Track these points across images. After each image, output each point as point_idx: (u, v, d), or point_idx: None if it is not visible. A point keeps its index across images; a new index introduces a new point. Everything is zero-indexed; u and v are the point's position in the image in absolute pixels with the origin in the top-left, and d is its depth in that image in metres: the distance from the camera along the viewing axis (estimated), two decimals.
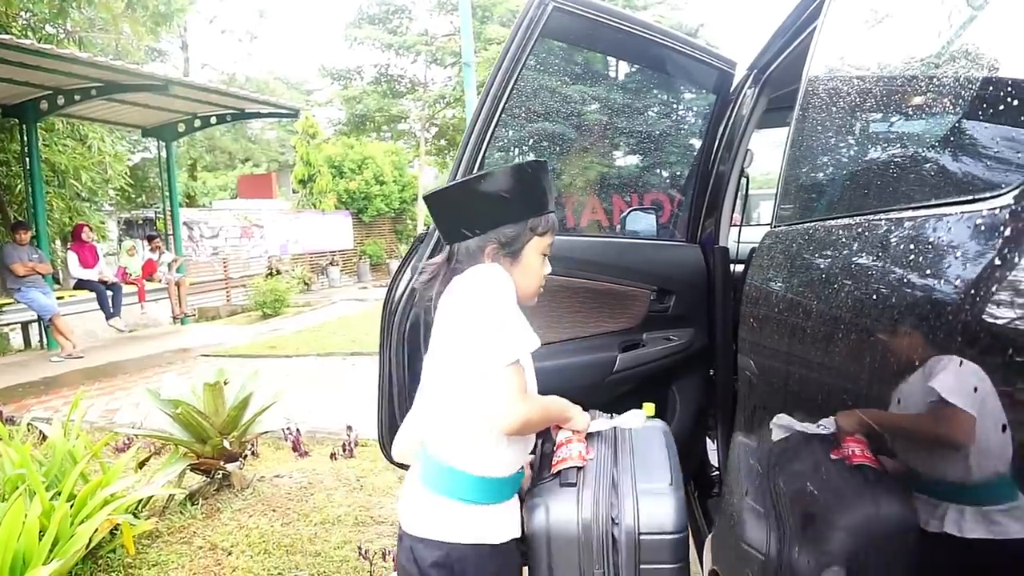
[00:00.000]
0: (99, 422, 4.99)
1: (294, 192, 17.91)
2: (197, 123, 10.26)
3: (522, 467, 1.44)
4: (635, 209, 3.81)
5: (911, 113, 0.81)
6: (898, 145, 0.83)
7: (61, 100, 7.92)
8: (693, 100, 3.13)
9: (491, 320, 1.27)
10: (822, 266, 0.89)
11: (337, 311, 11.57)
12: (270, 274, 13.86)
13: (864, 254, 0.78)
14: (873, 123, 0.95)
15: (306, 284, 15.56)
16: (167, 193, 10.74)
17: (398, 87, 9.36)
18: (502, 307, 1.29)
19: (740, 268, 2.78)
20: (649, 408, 1.61)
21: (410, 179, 20.31)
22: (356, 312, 11.25)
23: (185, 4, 10.53)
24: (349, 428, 4.02)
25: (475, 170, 1.75)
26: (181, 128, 10.29)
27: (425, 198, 1.45)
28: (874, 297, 0.71)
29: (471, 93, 4.98)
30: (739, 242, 2.60)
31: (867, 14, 1.13)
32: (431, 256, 1.58)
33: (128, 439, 4.02)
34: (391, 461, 1.96)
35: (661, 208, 3.90)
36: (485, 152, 1.76)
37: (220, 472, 3.43)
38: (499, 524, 1.33)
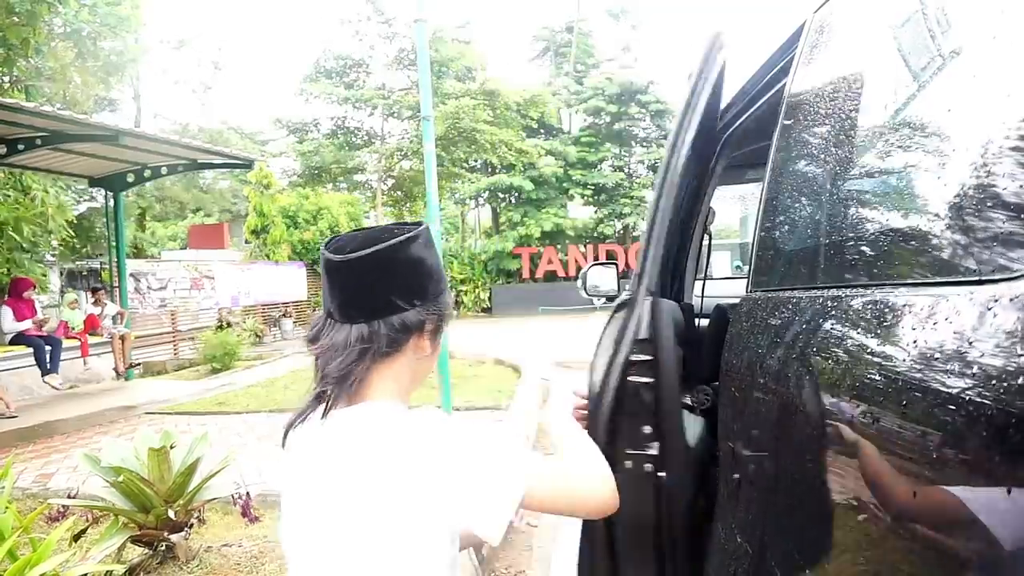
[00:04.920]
0: (32, 488, 4.68)
1: (247, 243, 17.62)
2: (148, 173, 10.03)
3: None
4: (595, 264, 3.82)
5: (910, 173, 0.80)
6: (896, 210, 0.82)
7: (3, 150, 7.67)
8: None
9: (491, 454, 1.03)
10: (812, 337, 0.86)
11: (289, 364, 11.27)
12: (220, 327, 13.48)
13: (859, 328, 0.76)
14: (866, 182, 0.94)
15: (258, 336, 15.18)
16: (114, 244, 10.42)
17: (355, 139, 9.33)
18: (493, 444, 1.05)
19: (704, 322, 2.81)
20: None
21: None
22: (309, 365, 10.94)
23: (138, 55, 10.43)
24: None
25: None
26: (131, 179, 10.05)
27: (336, 264, 1.09)
28: (870, 378, 0.69)
29: (430, 145, 4.98)
30: (703, 297, 2.62)
31: (840, 67, 1.14)
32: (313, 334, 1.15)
33: (63, 508, 3.77)
34: None
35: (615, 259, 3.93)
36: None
37: (164, 543, 3.21)
38: None
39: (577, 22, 28.63)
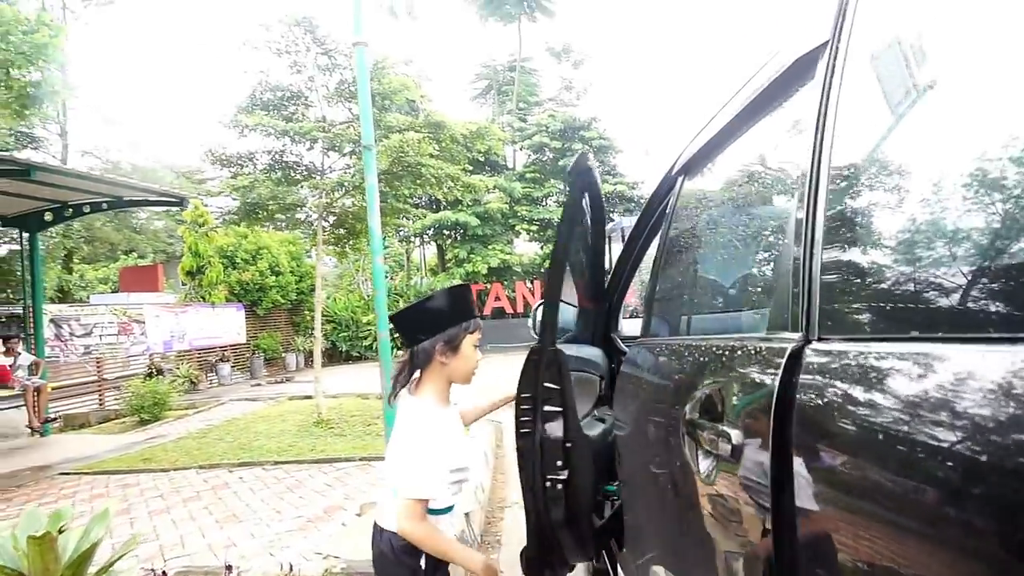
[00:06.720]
0: None
1: (183, 284, 16.75)
2: (68, 212, 9.34)
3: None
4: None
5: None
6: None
7: None
8: None
9: (410, 457, 1.78)
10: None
11: (225, 413, 10.59)
12: (150, 374, 12.66)
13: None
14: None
15: (192, 383, 14.34)
16: (29, 289, 9.64)
17: (294, 174, 8.90)
18: (418, 447, 1.79)
19: None
20: None
21: (308, 269, 19.57)
22: (247, 413, 10.32)
23: (59, 86, 9.79)
24: (228, 568, 3.36)
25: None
26: (49, 217, 9.33)
27: (390, 318, 2.00)
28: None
29: (372, 178, 4.65)
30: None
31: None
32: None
33: None
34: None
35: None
36: None
37: None
38: None
39: (519, 61, 28.92)
